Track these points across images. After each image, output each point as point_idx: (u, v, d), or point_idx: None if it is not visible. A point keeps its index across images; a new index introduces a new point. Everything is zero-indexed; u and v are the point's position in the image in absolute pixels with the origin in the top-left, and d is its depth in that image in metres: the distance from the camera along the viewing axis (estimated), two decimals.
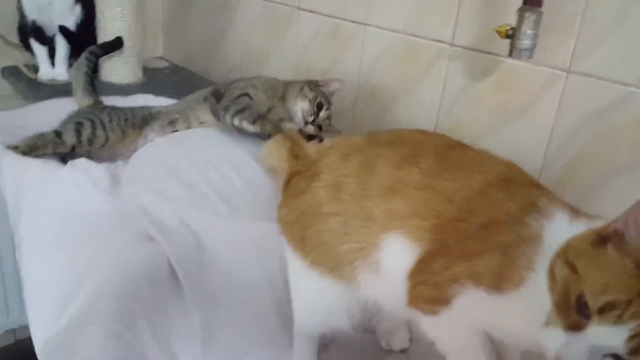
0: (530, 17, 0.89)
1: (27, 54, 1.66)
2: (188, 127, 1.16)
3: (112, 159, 1.11)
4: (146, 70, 1.71)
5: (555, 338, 0.50)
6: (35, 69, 1.64)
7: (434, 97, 1.15)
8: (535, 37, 0.90)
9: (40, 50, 1.60)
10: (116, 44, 1.56)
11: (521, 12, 0.89)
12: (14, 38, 1.66)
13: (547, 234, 0.57)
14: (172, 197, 0.91)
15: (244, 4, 1.60)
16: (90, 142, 1.13)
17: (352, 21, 1.29)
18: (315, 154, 0.85)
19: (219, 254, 0.85)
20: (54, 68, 1.61)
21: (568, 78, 0.94)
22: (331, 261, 0.71)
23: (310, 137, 1.03)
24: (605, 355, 0.48)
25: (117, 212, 0.92)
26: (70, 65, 1.59)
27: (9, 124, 1.19)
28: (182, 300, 0.82)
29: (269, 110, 1.15)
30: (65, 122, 1.18)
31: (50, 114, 1.22)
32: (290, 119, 1.16)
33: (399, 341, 0.85)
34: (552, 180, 0.95)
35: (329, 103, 1.19)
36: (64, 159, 1.11)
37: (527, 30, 0.90)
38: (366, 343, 0.86)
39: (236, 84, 1.19)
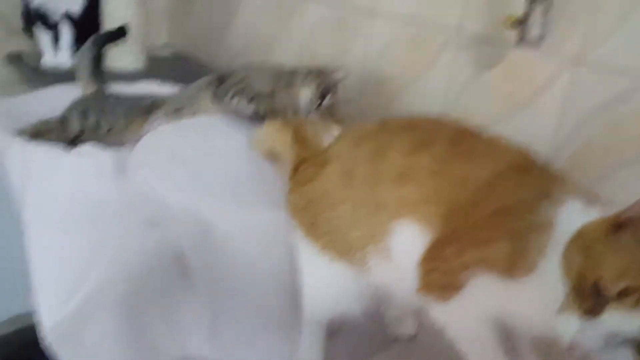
0: (539, 6, 0.89)
1: (31, 41, 1.66)
2: (193, 114, 1.15)
3: (117, 145, 1.11)
4: (150, 58, 1.71)
5: (570, 324, 0.51)
6: (39, 55, 1.63)
7: (441, 87, 1.15)
8: (544, 26, 0.90)
9: (44, 36, 1.59)
10: (121, 33, 1.55)
11: (531, 1, 0.89)
12: (18, 24, 1.65)
13: (559, 220, 0.57)
14: (178, 184, 0.90)
15: None
16: (96, 128, 1.12)
17: (358, 10, 1.29)
18: (322, 140, 0.85)
19: (226, 241, 0.85)
20: (59, 54, 1.60)
21: (577, 68, 0.93)
22: (342, 247, 0.72)
23: None
24: (622, 341, 0.48)
25: (124, 198, 0.92)
26: (74, 51, 1.59)
27: (13, 110, 1.18)
28: (190, 285, 0.83)
29: (272, 94, 1.14)
30: (70, 109, 1.18)
31: (55, 101, 1.22)
32: (295, 105, 1.15)
33: (407, 328, 0.86)
34: None
35: (334, 91, 1.18)
36: (69, 145, 1.10)
37: (536, 19, 0.90)
38: (374, 330, 0.86)
39: (240, 69, 1.19)
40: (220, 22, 1.72)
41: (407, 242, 0.65)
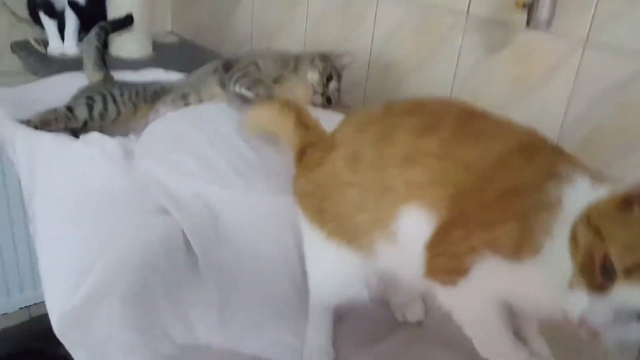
0: None
1: (36, 29, 1.65)
2: (200, 100, 1.15)
3: (124, 133, 1.11)
4: (155, 45, 1.70)
5: (579, 301, 0.50)
6: (44, 43, 1.63)
7: (449, 71, 1.13)
8: (553, 7, 0.89)
9: (49, 24, 1.59)
10: (127, 21, 1.55)
11: None
12: (24, 12, 1.65)
13: (567, 199, 0.56)
14: (186, 171, 0.90)
15: None
16: (102, 116, 1.13)
17: None
18: (322, 125, 0.85)
19: (233, 227, 0.85)
20: (64, 42, 1.60)
21: (586, 50, 0.92)
22: (349, 232, 0.71)
23: None
24: (632, 317, 0.47)
25: (132, 185, 0.92)
26: (80, 39, 1.59)
27: (20, 99, 1.19)
28: (199, 272, 0.83)
29: (278, 79, 1.14)
30: (76, 97, 1.18)
31: (61, 89, 1.22)
32: (301, 89, 1.15)
33: (414, 314, 0.86)
34: None
35: (339, 75, 1.17)
36: (75, 134, 1.10)
37: (545, 1, 0.88)
38: (381, 315, 0.86)
39: (246, 55, 1.19)
40: (225, 9, 1.71)
41: (414, 226, 0.65)
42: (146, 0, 1.59)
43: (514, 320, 0.69)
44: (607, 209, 0.52)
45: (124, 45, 1.60)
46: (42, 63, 1.55)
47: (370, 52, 1.29)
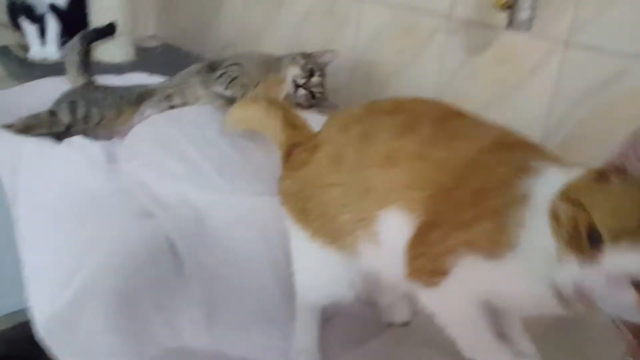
0: None
1: (17, 33, 1.64)
2: (184, 102, 1.15)
3: (108, 136, 1.10)
4: (139, 49, 1.70)
5: (570, 271, 0.50)
6: (25, 48, 1.61)
7: (432, 72, 1.14)
8: (534, 8, 0.90)
9: (30, 29, 1.57)
10: (109, 30, 1.54)
11: None
12: (3, 17, 1.63)
13: (537, 189, 0.56)
14: (170, 173, 0.90)
15: None
16: (86, 120, 1.12)
17: None
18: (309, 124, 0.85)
19: (219, 229, 0.85)
20: (45, 47, 1.58)
21: (567, 50, 0.93)
22: (333, 232, 0.71)
23: None
24: (625, 282, 0.47)
25: (116, 188, 0.91)
26: (62, 44, 1.57)
27: (1, 104, 1.18)
28: (184, 274, 0.82)
29: (262, 81, 1.14)
30: (59, 102, 1.17)
31: (43, 94, 1.21)
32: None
33: (401, 314, 0.86)
34: None
35: (321, 72, 1.17)
36: (59, 138, 1.09)
37: (526, 1, 0.89)
38: (368, 316, 0.86)
39: (230, 57, 1.19)
40: (208, 12, 1.71)
41: (395, 228, 0.65)
42: (129, 5, 1.58)
43: (498, 320, 0.70)
44: (585, 184, 0.53)
45: (107, 49, 1.59)
46: (23, 68, 1.53)
47: (355, 54, 1.29)
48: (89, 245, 0.82)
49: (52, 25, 1.56)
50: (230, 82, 1.10)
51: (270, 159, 0.89)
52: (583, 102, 0.92)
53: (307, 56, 1.17)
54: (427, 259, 0.63)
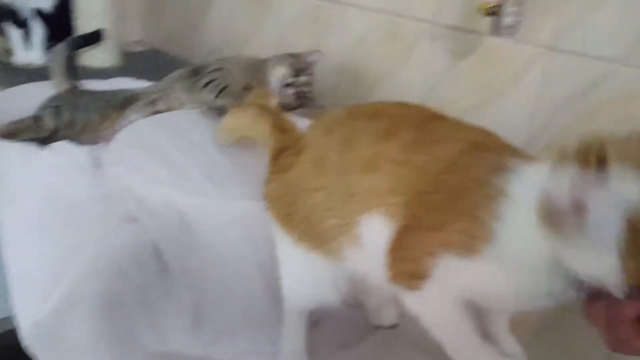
0: None
1: (1, 38, 1.62)
2: (169, 107, 1.14)
3: (93, 141, 1.09)
4: (125, 54, 1.69)
5: (572, 179, 0.48)
6: (10, 53, 1.60)
7: (418, 77, 1.15)
8: (518, 14, 0.91)
9: (15, 33, 1.56)
10: (96, 37, 1.53)
11: None
12: None
13: (513, 184, 0.57)
14: (156, 178, 0.89)
15: None
16: (70, 125, 1.11)
17: (334, 2, 1.28)
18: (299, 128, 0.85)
19: (206, 234, 0.85)
20: (30, 52, 1.57)
21: (551, 56, 0.94)
22: (317, 236, 0.72)
23: None
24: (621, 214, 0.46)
25: (101, 193, 0.91)
26: (46, 49, 1.56)
27: None
28: (170, 280, 0.82)
29: (248, 87, 1.14)
30: (43, 107, 1.16)
31: (28, 99, 1.20)
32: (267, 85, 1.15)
33: (389, 317, 0.86)
34: None
35: (309, 71, 1.17)
36: (43, 143, 1.08)
37: (510, 7, 0.90)
38: (356, 320, 0.86)
39: (215, 62, 1.18)
40: (194, 17, 1.71)
41: (376, 233, 0.66)
42: (115, 10, 1.58)
43: (483, 321, 0.70)
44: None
45: (93, 54, 1.58)
46: (7, 73, 1.52)
47: (341, 59, 1.30)
48: (73, 251, 0.81)
49: (37, 30, 1.56)
50: (220, 91, 1.09)
51: (258, 163, 0.89)
52: (567, 107, 0.93)
53: (293, 56, 1.17)
54: (407, 262, 0.63)
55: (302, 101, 1.14)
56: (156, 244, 0.83)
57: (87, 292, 0.76)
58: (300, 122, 0.88)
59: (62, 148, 1.01)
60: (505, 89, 1.01)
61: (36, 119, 1.10)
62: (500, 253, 0.56)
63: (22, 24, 1.55)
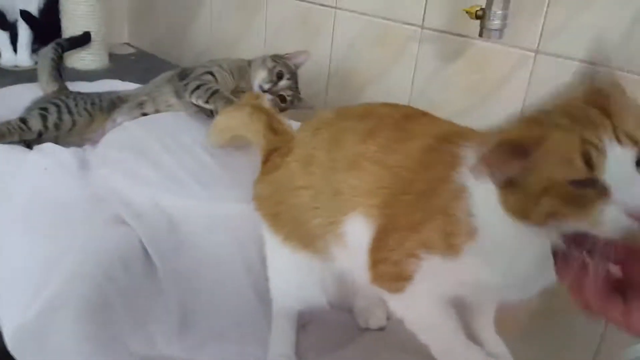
0: None
1: None
2: (156, 109, 1.14)
3: (80, 143, 1.09)
4: (112, 56, 1.68)
5: (613, 216, 0.46)
6: None
7: (406, 80, 1.15)
8: (504, 17, 0.91)
9: (1, 36, 1.55)
10: (84, 39, 1.53)
11: None
12: None
13: (469, 180, 0.57)
14: (144, 180, 0.89)
15: None
16: (57, 127, 1.10)
17: (322, 5, 1.29)
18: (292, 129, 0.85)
19: (194, 236, 0.84)
20: (17, 54, 1.56)
21: (537, 58, 0.95)
22: (304, 235, 0.72)
23: None
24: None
25: (87, 195, 0.90)
26: (34, 51, 1.55)
27: None
28: (158, 282, 0.81)
29: (236, 90, 1.14)
30: (30, 109, 1.15)
31: (14, 101, 1.19)
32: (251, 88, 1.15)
33: (376, 319, 0.86)
34: None
35: (292, 74, 1.16)
36: (30, 146, 1.08)
37: (496, 10, 0.91)
38: (344, 322, 0.86)
39: (202, 64, 1.18)
40: (182, 19, 1.70)
41: (359, 233, 0.66)
42: (101, 11, 1.57)
43: (469, 322, 0.70)
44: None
45: (81, 56, 1.57)
46: None
47: (330, 63, 1.30)
48: (59, 253, 0.80)
49: (24, 32, 1.54)
50: (210, 95, 1.09)
51: (247, 165, 0.89)
52: None
53: (277, 59, 1.16)
54: (388, 265, 0.63)
55: (284, 105, 1.14)
56: (143, 246, 0.83)
57: (73, 295, 0.75)
58: (294, 124, 0.88)
59: (48, 150, 1.00)
60: (493, 92, 1.01)
61: (23, 121, 1.09)
62: (480, 246, 0.56)
63: (9, 26, 1.54)
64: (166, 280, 0.82)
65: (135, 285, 0.80)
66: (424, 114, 0.72)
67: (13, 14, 1.52)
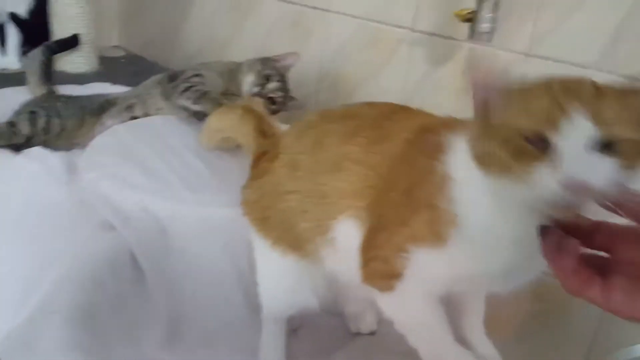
0: (489, 0, 0.90)
1: None
2: (146, 112, 1.14)
3: (69, 147, 1.08)
4: (102, 59, 1.67)
5: (549, 177, 0.46)
6: None
7: (397, 83, 1.15)
8: (494, 20, 0.92)
9: None
10: (73, 42, 1.52)
11: None
12: None
13: (453, 164, 0.57)
14: (133, 184, 0.88)
15: None
16: (46, 131, 1.10)
17: (314, 8, 1.29)
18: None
19: (183, 241, 0.84)
20: (5, 57, 1.55)
21: (527, 61, 0.95)
22: (292, 239, 0.71)
23: None
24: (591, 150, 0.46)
25: (76, 200, 0.89)
26: (23, 54, 1.54)
27: None
28: (146, 287, 0.81)
29: (226, 93, 1.13)
30: (18, 112, 1.14)
31: (3, 104, 1.18)
32: (240, 92, 1.14)
33: (367, 324, 0.86)
34: None
35: (281, 76, 1.16)
36: (19, 149, 1.07)
37: (486, 13, 0.91)
38: (334, 327, 0.86)
39: (192, 67, 1.18)
40: (173, 22, 1.70)
41: (349, 235, 0.65)
42: (91, 13, 1.56)
43: (459, 325, 0.70)
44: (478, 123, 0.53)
45: (70, 59, 1.56)
46: None
47: (321, 65, 1.30)
48: (47, 261, 0.80)
49: (13, 35, 1.53)
50: (199, 97, 1.09)
51: (237, 169, 0.88)
52: None
53: (265, 61, 1.16)
54: (378, 262, 0.63)
55: (274, 107, 1.13)
56: (132, 251, 0.82)
57: (61, 302, 0.74)
58: (285, 127, 0.88)
59: (37, 154, 1.00)
60: None
61: (11, 124, 1.09)
62: (464, 232, 0.56)
63: None
64: (155, 285, 0.81)
65: (123, 291, 0.80)
66: (403, 109, 0.71)
67: (1, 16, 1.51)
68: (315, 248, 0.70)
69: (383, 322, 0.87)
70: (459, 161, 0.56)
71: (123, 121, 1.11)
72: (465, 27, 0.93)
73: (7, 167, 0.96)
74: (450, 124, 0.61)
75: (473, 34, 0.92)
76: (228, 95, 1.13)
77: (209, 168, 0.95)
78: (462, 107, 1.04)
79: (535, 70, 0.94)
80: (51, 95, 1.22)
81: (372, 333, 0.86)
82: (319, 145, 0.70)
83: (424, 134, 0.63)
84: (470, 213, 0.55)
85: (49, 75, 1.28)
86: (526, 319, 0.92)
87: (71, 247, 0.82)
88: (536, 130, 0.47)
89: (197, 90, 1.09)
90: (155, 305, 0.80)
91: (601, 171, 0.45)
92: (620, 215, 0.48)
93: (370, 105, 0.75)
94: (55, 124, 1.10)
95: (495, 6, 0.90)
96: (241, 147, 0.90)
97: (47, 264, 0.80)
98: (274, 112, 1.13)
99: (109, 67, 1.66)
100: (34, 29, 1.52)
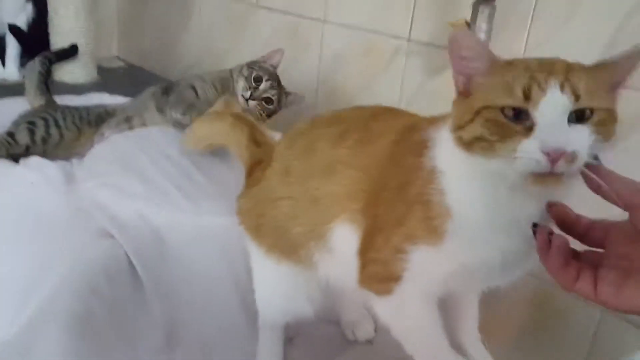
0: (484, 11, 0.91)
1: None
2: (143, 124, 1.14)
3: (67, 157, 1.08)
4: (101, 70, 1.68)
5: (531, 146, 0.49)
6: None
7: (393, 93, 1.16)
8: (489, 31, 0.92)
9: None
10: (71, 52, 1.53)
11: (475, 6, 0.91)
12: None
13: (439, 159, 0.58)
14: (131, 193, 0.89)
15: (201, 1, 1.59)
16: (45, 141, 1.10)
17: (311, 18, 1.30)
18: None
19: (180, 249, 0.84)
20: (5, 68, 1.56)
21: None
22: (286, 246, 0.72)
23: None
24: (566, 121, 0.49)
25: (74, 209, 0.90)
26: (22, 65, 1.55)
27: None
28: (143, 295, 0.81)
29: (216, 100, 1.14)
30: (17, 123, 1.15)
31: (2, 114, 1.19)
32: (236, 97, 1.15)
33: (364, 332, 0.86)
34: None
35: (270, 74, 1.16)
36: (17, 159, 1.07)
37: (481, 24, 0.92)
38: (331, 334, 0.86)
39: (185, 78, 1.19)
40: (171, 33, 1.71)
41: (345, 239, 0.66)
42: (90, 25, 1.57)
43: (454, 331, 0.70)
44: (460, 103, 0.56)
45: (69, 70, 1.57)
46: None
47: (318, 75, 1.31)
48: (45, 269, 0.80)
49: (12, 46, 1.54)
50: (186, 108, 1.09)
51: (233, 179, 0.89)
52: None
53: (252, 65, 1.17)
54: (377, 264, 0.63)
55: (271, 107, 1.14)
56: (129, 259, 0.82)
57: (59, 309, 0.74)
58: (276, 135, 0.89)
59: (35, 164, 1.00)
60: None
61: (9, 134, 1.09)
62: (458, 224, 0.56)
63: None
64: (152, 293, 0.81)
65: (120, 299, 0.80)
66: (387, 110, 0.73)
67: (1, 28, 1.52)
68: (309, 254, 0.70)
69: (380, 330, 0.87)
70: (444, 152, 0.57)
71: (121, 132, 1.11)
72: None
73: (6, 176, 0.97)
74: (432, 121, 0.63)
75: None
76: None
77: (206, 177, 0.95)
78: None
79: None
80: (50, 106, 1.22)
81: (369, 341, 0.86)
82: (310, 151, 0.71)
83: (408, 133, 0.64)
84: (461, 202, 0.56)
85: (47, 85, 1.28)
86: (524, 326, 0.92)
87: (69, 254, 0.82)
88: (516, 106, 0.50)
89: (185, 102, 1.09)
90: (152, 312, 0.81)
91: (576, 138, 0.48)
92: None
93: (357, 108, 0.76)
94: (54, 134, 1.11)
95: (490, 17, 0.91)
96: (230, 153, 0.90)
97: (44, 271, 0.80)
98: (273, 112, 1.14)
99: (108, 78, 1.67)
100: (33, 40, 1.53)
